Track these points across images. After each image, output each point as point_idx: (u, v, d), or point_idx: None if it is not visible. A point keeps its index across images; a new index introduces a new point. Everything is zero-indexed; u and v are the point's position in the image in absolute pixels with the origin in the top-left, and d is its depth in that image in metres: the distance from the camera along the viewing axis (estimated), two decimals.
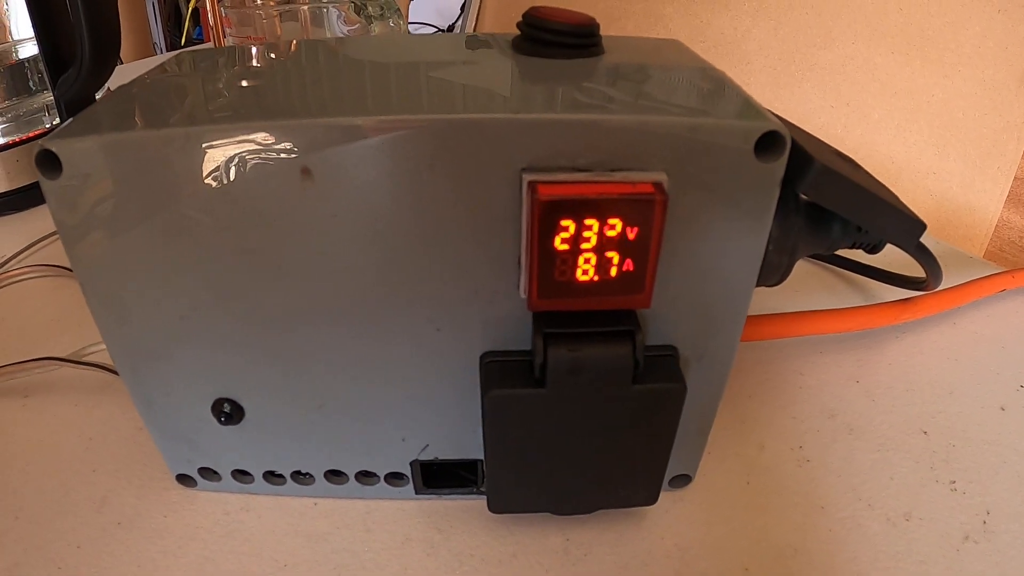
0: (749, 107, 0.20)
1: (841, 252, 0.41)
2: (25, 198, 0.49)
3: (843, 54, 0.73)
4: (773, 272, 0.25)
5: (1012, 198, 0.69)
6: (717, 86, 0.22)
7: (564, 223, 0.18)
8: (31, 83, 0.52)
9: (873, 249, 0.28)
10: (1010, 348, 0.36)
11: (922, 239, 0.26)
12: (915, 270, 0.36)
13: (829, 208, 0.23)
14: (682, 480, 0.27)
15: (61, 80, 0.51)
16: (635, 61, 0.24)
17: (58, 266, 0.41)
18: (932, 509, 0.27)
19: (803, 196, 0.24)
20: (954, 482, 0.28)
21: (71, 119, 0.21)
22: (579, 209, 0.18)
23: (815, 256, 0.42)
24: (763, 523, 0.26)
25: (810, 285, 0.41)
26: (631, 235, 0.18)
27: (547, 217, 0.18)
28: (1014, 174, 0.69)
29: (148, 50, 1.03)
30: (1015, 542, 0.26)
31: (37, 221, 0.47)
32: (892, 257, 0.32)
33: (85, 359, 0.32)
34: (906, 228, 0.25)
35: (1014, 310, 0.39)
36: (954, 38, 0.67)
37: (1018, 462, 0.29)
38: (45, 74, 0.51)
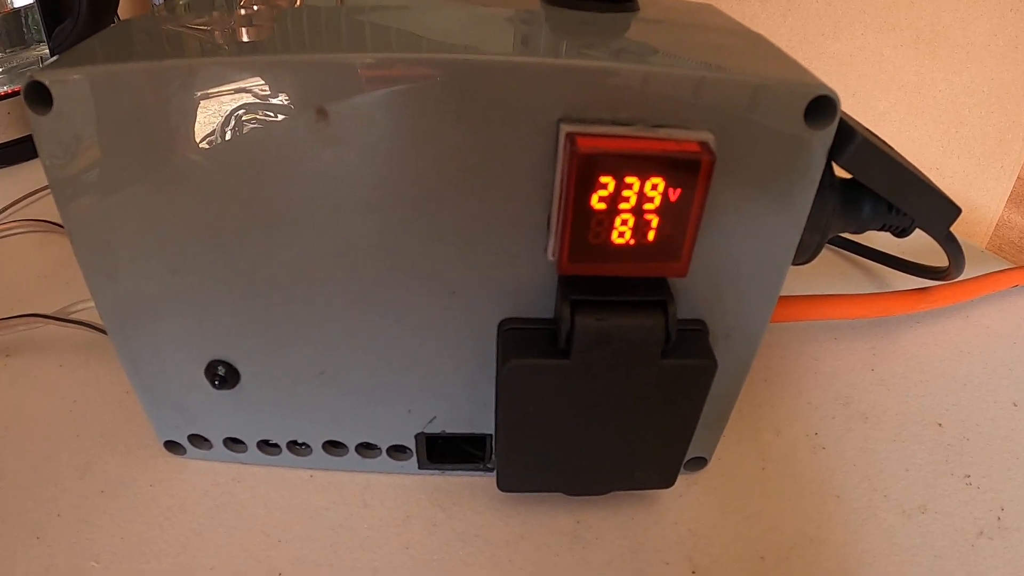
0: (798, 70, 0.19)
1: (856, 238, 0.40)
2: (16, 152, 0.48)
3: (851, 45, 0.72)
4: (804, 250, 0.23)
5: (1014, 198, 0.68)
6: (762, 49, 0.21)
7: (603, 180, 0.16)
8: (26, 34, 0.50)
9: (902, 233, 0.27)
10: (1022, 344, 0.35)
11: None
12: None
13: (868, 184, 0.22)
14: (697, 463, 0.26)
15: (57, 31, 0.50)
16: (673, 19, 0.22)
17: (48, 221, 0.39)
18: (947, 503, 0.26)
19: (835, 174, 0.23)
20: (968, 476, 0.28)
21: (65, 53, 0.19)
22: (620, 165, 0.16)
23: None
24: (779, 511, 0.25)
25: (821, 270, 0.40)
26: (673, 197, 0.17)
27: (586, 172, 0.16)
28: (1017, 174, 0.69)
29: (147, 8, 1.00)
30: None
31: (27, 176, 0.46)
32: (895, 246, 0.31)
33: (72, 317, 0.30)
34: (942, 211, 0.24)
35: None
36: (964, 34, 0.66)
37: None
38: (41, 25, 0.49)
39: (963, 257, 0.30)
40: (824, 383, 0.32)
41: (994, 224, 0.69)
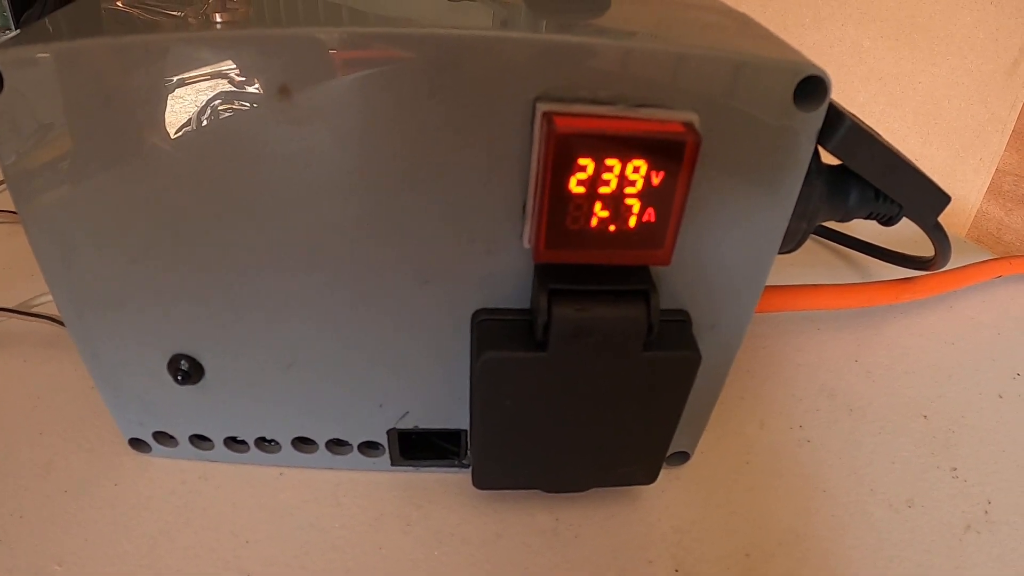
0: (787, 50, 0.18)
1: (838, 227, 0.39)
2: None
3: (831, 35, 0.72)
4: (790, 238, 0.23)
5: (992, 189, 0.68)
6: (750, 28, 0.20)
7: (582, 162, 0.16)
8: None
9: (889, 221, 0.26)
10: (1005, 335, 0.35)
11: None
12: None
13: (857, 171, 0.22)
14: (680, 458, 0.25)
15: (24, 17, 0.48)
16: None
17: (11, 212, 0.38)
18: (934, 497, 0.26)
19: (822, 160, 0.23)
20: (955, 469, 0.27)
21: (20, 31, 0.18)
22: (600, 146, 0.16)
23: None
24: (764, 506, 0.25)
25: (802, 259, 0.39)
26: (655, 180, 0.16)
27: (563, 154, 0.16)
28: (996, 166, 0.69)
29: None
30: (1016, 534, 0.25)
31: None
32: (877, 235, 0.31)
33: (34, 310, 0.29)
34: (931, 199, 0.24)
35: (1009, 297, 0.38)
36: (944, 27, 0.66)
37: (1017, 452, 0.28)
38: (8, 9, 0.47)
39: (950, 246, 0.29)
40: (808, 375, 0.31)
41: (972, 215, 0.70)
